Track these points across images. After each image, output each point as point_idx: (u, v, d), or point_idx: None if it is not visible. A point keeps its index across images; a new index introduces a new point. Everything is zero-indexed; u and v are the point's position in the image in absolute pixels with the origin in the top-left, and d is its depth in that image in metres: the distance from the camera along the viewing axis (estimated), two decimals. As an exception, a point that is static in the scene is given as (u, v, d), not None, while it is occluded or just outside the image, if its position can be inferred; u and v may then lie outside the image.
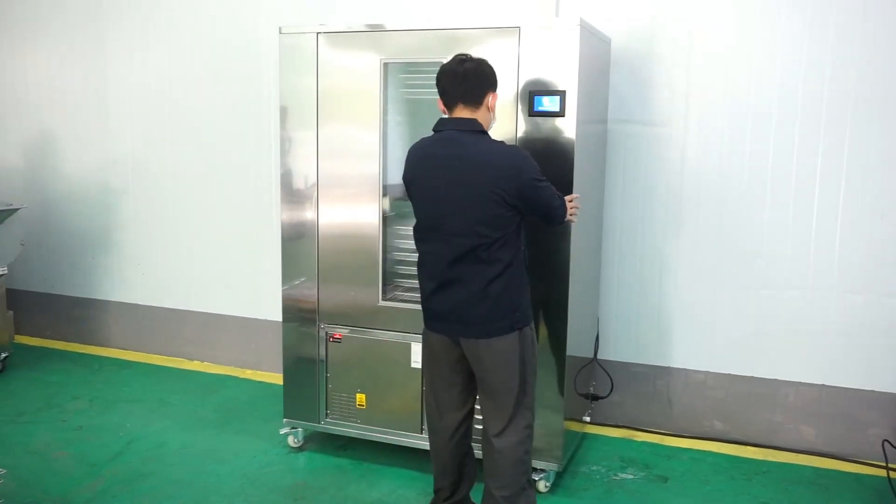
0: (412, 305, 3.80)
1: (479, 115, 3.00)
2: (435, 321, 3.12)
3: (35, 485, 3.80)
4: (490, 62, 3.04)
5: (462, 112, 2.98)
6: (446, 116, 3.02)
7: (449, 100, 2.99)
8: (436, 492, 3.35)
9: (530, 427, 3.12)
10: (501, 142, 3.02)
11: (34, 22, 5.91)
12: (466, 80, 2.96)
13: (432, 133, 3.05)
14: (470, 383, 3.18)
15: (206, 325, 5.60)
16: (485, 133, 3.00)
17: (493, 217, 2.91)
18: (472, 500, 3.41)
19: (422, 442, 3.90)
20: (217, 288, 5.56)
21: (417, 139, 3.16)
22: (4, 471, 3.49)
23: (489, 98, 3.00)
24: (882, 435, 4.02)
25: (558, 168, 3.47)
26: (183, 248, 5.61)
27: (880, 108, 3.94)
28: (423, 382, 3.38)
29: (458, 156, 2.93)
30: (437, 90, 3.02)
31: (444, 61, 3.03)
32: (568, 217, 3.19)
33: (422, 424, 3.89)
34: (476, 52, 3.10)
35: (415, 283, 3.35)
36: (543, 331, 3.62)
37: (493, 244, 2.93)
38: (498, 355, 3.01)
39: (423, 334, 3.23)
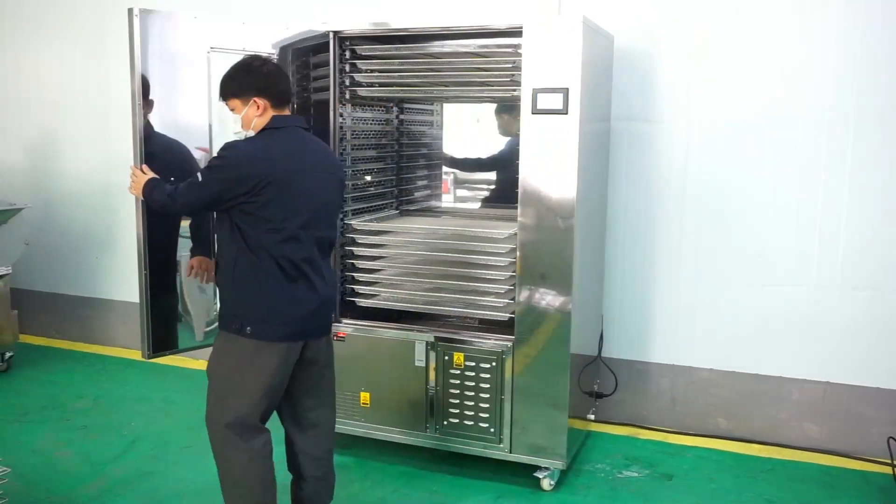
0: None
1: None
2: (308, 324, 2.97)
3: (39, 484, 3.80)
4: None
5: (287, 111, 3.00)
6: (279, 114, 2.94)
7: (282, 99, 2.95)
8: None
9: None
10: None
11: (37, 22, 5.92)
12: (288, 79, 3.07)
13: (265, 131, 2.91)
14: None
15: (210, 324, 5.60)
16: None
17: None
18: None
19: (426, 440, 3.91)
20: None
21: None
22: (8, 469, 3.49)
23: None
24: (887, 432, 4.00)
25: (561, 166, 3.48)
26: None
27: (884, 104, 3.93)
28: (252, 396, 2.97)
29: (320, 151, 3.06)
30: (246, 88, 2.91)
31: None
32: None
33: (426, 423, 3.89)
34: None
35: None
36: (548, 329, 3.61)
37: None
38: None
39: (270, 350, 2.90)
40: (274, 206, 2.80)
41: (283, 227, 2.83)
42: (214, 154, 3.08)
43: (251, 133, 2.94)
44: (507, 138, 4.54)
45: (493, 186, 4.80)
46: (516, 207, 3.61)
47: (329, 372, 3.24)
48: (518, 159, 3.57)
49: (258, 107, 2.90)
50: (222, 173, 2.82)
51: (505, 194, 4.41)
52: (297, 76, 3.97)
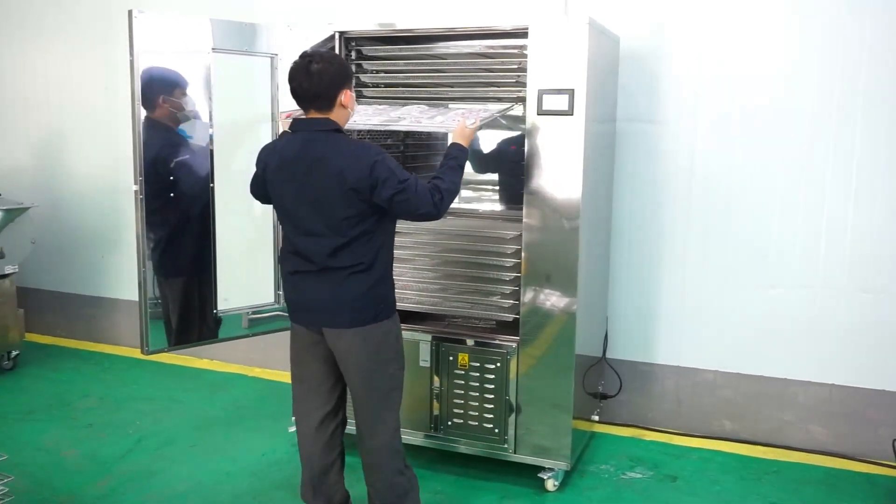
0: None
1: (334, 115, 2.92)
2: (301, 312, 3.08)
3: (45, 483, 3.82)
4: (340, 57, 2.99)
5: (314, 115, 2.92)
6: (304, 117, 2.97)
7: (300, 103, 2.93)
8: None
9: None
10: (357, 140, 2.98)
11: (44, 21, 5.94)
12: (315, 82, 2.85)
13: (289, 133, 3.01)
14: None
15: (215, 324, 5.61)
16: (340, 132, 2.94)
17: (347, 217, 2.86)
18: None
19: (431, 440, 3.91)
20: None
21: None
22: (11, 477, 3.52)
23: (342, 96, 2.90)
24: (893, 434, 4.00)
25: (567, 167, 3.48)
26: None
27: (891, 104, 3.92)
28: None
29: (308, 157, 2.88)
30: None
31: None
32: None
33: (430, 423, 3.89)
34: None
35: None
36: (553, 330, 3.62)
37: (351, 243, 2.89)
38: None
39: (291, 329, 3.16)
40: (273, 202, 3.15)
41: (281, 221, 3.12)
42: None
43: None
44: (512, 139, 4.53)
45: (498, 187, 4.79)
46: (522, 208, 3.61)
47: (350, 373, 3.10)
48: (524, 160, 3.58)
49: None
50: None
51: (511, 195, 4.42)
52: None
